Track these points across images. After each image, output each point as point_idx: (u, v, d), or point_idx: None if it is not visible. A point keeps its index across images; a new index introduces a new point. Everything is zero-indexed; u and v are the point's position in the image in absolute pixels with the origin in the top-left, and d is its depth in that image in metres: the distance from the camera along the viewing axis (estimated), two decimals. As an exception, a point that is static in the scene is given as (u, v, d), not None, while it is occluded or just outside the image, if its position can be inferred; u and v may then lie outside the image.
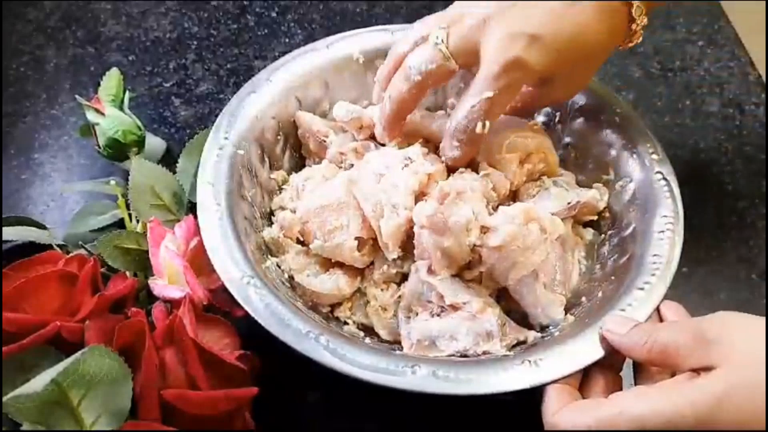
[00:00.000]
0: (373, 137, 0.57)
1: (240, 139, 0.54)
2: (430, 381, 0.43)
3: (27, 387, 0.40)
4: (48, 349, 0.44)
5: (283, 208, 0.56)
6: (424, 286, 0.49)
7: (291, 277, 0.52)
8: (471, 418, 0.51)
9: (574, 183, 0.57)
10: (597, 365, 0.45)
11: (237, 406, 0.44)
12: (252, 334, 0.47)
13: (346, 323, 0.52)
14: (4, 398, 0.40)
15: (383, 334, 0.51)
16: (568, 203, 0.53)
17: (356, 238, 0.51)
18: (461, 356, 0.48)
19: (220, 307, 0.49)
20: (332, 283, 0.51)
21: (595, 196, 0.55)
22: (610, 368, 0.45)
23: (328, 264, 0.53)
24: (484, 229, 0.48)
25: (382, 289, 0.52)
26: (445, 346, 0.48)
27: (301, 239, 0.53)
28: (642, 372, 0.45)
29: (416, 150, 0.53)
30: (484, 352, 0.47)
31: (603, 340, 0.45)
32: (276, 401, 0.50)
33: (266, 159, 0.57)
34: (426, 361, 0.45)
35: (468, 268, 0.50)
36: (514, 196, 0.55)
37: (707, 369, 0.39)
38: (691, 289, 0.58)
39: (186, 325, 0.44)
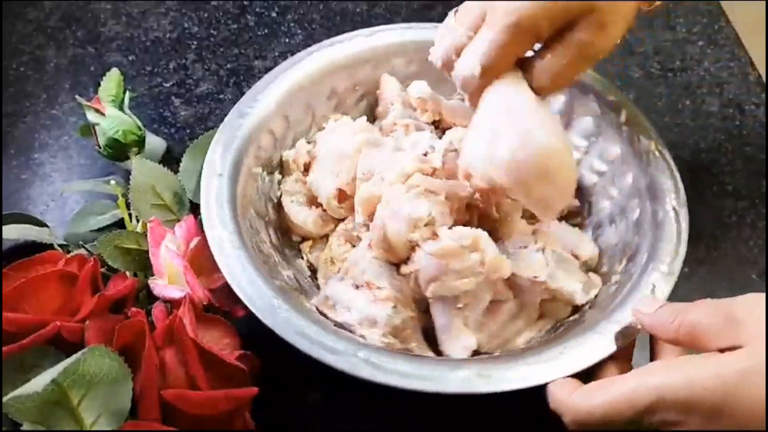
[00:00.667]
0: (434, 123, 0.58)
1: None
2: (360, 366, 0.43)
3: (27, 387, 0.40)
4: (48, 349, 0.44)
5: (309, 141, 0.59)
6: (365, 258, 0.50)
7: (279, 202, 0.56)
8: (470, 419, 0.51)
9: (567, 254, 0.52)
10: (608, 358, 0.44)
11: (237, 406, 0.44)
12: (252, 334, 0.47)
13: (302, 258, 0.56)
14: (4, 398, 0.40)
15: (321, 283, 0.53)
16: (534, 277, 0.49)
17: (338, 189, 0.54)
18: (346, 330, 0.48)
19: (220, 307, 0.49)
20: (305, 217, 0.55)
21: (576, 290, 0.50)
22: (621, 359, 0.45)
23: (313, 201, 0.56)
24: (435, 236, 0.48)
25: (339, 244, 0.54)
26: (339, 314, 0.49)
27: (302, 170, 0.57)
28: (660, 354, 0.44)
29: (442, 144, 0.53)
30: (362, 335, 0.47)
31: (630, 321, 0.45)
32: (276, 401, 0.50)
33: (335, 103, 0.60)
34: (360, 345, 0.45)
35: (405, 263, 0.50)
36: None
37: (733, 349, 0.38)
38: (691, 289, 0.58)
39: (186, 325, 0.44)
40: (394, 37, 0.61)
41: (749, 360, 0.38)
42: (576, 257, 0.53)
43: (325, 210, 0.55)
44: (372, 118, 0.61)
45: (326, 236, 0.56)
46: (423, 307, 0.50)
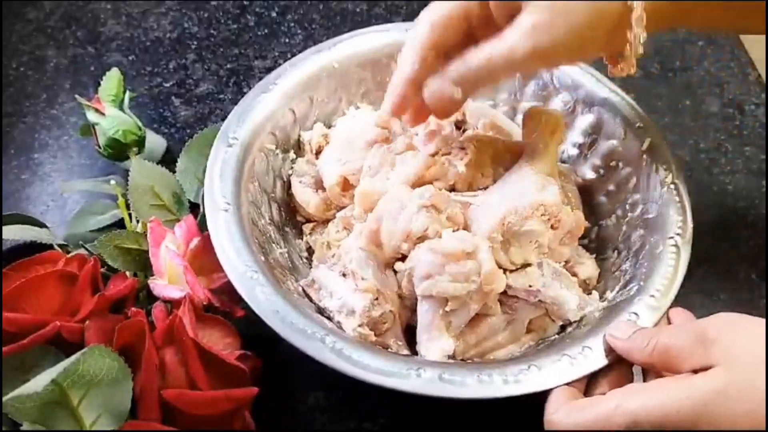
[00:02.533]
0: (457, 124, 0.58)
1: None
2: (325, 352, 0.43)
3: (27, 387, 0.40)
4: (48, 349, 0.44)
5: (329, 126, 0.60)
6: (355, 247, 0.50)
7: (289, 181, 0.57)
8: (471, 419, 0.51)
9: (564, 270, 0.52)
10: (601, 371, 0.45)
11: (237, 406, 0.44)
12: (252, 334, 0.47)
13: (302, 238, 0.56)
14: (4, 398, 0.40)
15: (315, 265, 0.54)
16: (530, 286, 0.49)
17: (343, 177, 0.54)
18: (326, 316, 0.49)
19: (220, 307, 0.49)
20: (308, 199, 0.55)
21: (571, 303, 0.50)
22: (622, 365, 0.45)
23: (320, 185, 0.56)
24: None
25: (337, 230, 0.54)
26: (322, 298, 0.49)
27: (314, 152, 0.58)
28: (648, 375, 0.45)
29: (462, 160, 0.53)
30: (338, 323, 0.48)
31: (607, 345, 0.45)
32: (276, 401, 0.50)
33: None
34: (330, 331, 0.45)
35: (401, 261, 0.50)
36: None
37: (706, 369, 0.39)
38: (691, 289, 0.58)
39: (186, 325, 0.44)
40: None
41: (722, 380, 0.38)
42: (574, 275, 0.52)
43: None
44: None
45: (329, 221, 0.56)
46: (409, 305, 0.50)
